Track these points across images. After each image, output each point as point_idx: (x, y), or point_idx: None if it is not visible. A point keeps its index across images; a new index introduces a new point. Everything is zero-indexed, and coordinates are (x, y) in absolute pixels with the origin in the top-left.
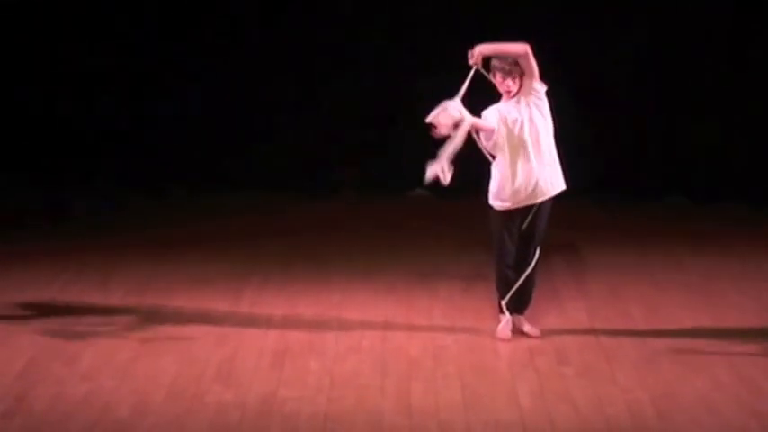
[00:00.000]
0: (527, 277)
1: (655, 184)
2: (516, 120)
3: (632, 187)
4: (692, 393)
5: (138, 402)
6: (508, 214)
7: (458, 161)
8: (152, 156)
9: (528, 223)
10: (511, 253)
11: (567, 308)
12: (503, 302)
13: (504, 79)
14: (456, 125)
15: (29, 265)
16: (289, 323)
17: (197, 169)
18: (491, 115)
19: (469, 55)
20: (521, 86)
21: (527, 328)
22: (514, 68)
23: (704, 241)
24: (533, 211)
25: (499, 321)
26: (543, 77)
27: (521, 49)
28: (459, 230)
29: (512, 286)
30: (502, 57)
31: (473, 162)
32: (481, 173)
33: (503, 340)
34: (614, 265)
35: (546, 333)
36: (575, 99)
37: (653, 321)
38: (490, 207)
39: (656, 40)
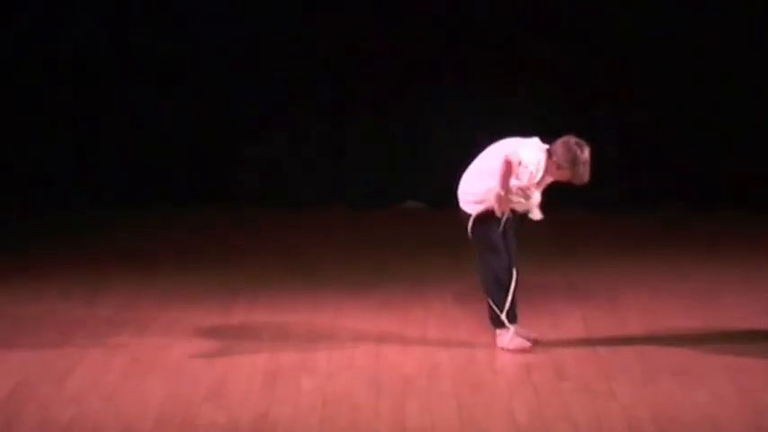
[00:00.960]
0: (517, 281)
1: (653, 192)
2: None
3: (630, 195)
4: (692, 408)
5: (128, 426)
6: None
7: (450, 172)
8: (140, 169)
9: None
10: (504, 258)
11: (564, 319)
12: (503, 315)
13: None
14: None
15: (14, 283)
16: (280, 340)
17: (185, 183)
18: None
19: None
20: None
21: (533, 334)
22: None
23: (703, 249)
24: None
25: (501, 336)
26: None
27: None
28: (453, 243)
29: (508, 293)
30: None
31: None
32: None
33: (525, 351)
34: (612, 273)
35: (543, 346)
36: (572, 107)
37: (651, 331)
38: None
39: (653, 47)
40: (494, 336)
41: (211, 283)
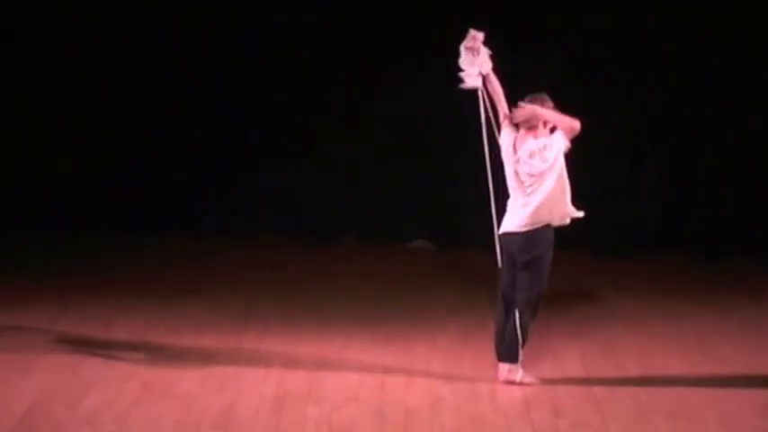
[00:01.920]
0: None
1: (654, 238)
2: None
3: (630, 241)
4: None
5: None
6: None
7: (459, 214)
8: (156, 199)
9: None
10: None
11: (563, 359)
12: (523, 347)
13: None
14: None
15: (32, 306)
16: (288, 370)
17: (201, 213)
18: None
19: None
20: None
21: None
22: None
23: (702, 296)
24: None
25: (513, 371)
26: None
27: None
28: (458, 281)
29: None
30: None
31: (473, 214)
32: (482, 223)
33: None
34: (610, 317)
35: (542, 384)
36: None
37: (648, 374)
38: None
39: (655, 90)
40: (496, 371)
41: (223, 312)
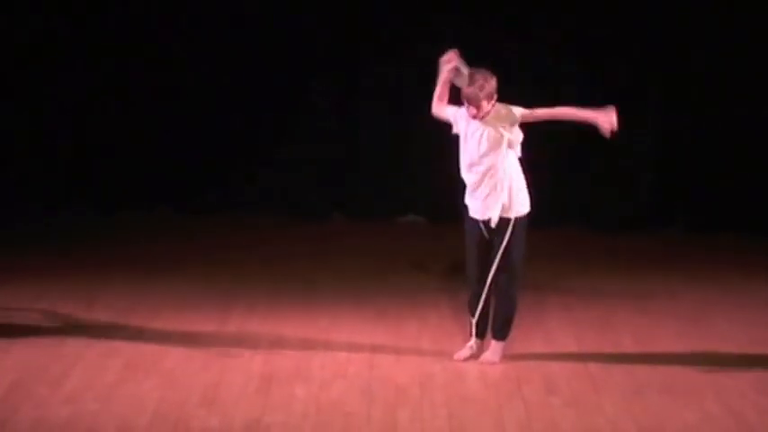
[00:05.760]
0: None
1: (649, 213)
2: None
3: (626, 216)
4: (680, 426)
5: (122, 427)
6: None
7: (450, 188)
8: (140, 175)
9: None
10: None
11: (556, 335)
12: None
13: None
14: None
15: (13, 283)
16: (275, 348)
17: (186, 190)
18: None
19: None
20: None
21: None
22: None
23: (698, 271)
24: None
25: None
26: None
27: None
28: (450, 257)
29: None
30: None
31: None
32: None
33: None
34: (605, 293)
35: (535, 360)
36: (570, 129)
37: (643, 350)
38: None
39: (650, 65)
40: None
41: (209, 289)
